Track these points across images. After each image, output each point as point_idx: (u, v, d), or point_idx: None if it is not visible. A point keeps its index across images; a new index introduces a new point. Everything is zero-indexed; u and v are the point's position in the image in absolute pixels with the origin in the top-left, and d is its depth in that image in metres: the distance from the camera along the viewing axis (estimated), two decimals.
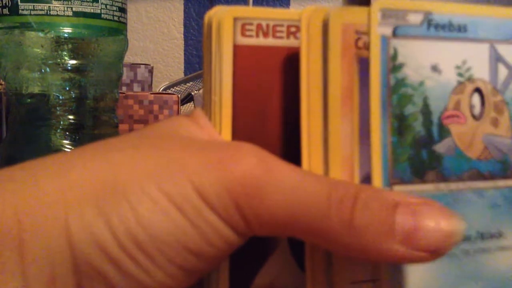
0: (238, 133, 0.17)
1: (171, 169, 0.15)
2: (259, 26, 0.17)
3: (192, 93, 0.68)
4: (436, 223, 0.14)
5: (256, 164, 0.15)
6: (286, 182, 0.15)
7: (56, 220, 0.14)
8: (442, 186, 0.16)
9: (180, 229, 0.15)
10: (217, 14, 0.17)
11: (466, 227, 0.14)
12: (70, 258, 0.14)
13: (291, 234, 0.16)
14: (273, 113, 0.18)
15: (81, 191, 0.15)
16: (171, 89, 0.81)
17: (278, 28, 0.17)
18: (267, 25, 0.17)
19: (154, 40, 1.09)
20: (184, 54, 1.08)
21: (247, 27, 0.17)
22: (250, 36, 0.17)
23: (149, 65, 0.77)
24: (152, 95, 0.53)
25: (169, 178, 0.15)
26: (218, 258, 0.16)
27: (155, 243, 0.15)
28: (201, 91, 0.67)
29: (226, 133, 0.17)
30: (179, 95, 0.54)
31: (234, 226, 0.15)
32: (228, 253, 0.16)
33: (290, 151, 0.17)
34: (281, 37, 0.17)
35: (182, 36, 1.08)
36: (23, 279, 0.14)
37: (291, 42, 0.17)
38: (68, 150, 0.39)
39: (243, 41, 0.17)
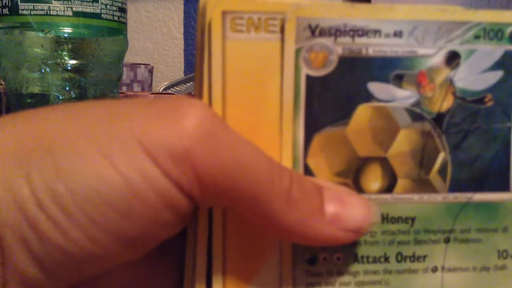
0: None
1: (109, 120, 0.14)
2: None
3: (192, 93, 0.69)
4: (359, 207, 0.16)
5: (209, 114, 0.14)
6: (236, 136, 0.15)
7: None
8: None
9: (106, 182, 0.14)
10: (208, 6, 0.16)
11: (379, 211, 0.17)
12: None
13: (234, 201, 0.15)
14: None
15: (4, 148, 0.14)
16: (171, 89, 0.81)
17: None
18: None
19: (154, 40, 1.09)
20: (184, 54, 1.08)
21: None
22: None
23: (149, 65, 0.77)
24: (152, 95, 0.53)
25: (105, 128, 0.14)
26: (156, 225, 0.15)
27: (79, 203, 0.13)
28: None
29: None
30: (179, 95, 0.54)
31: (180, 182, 0.14)
32: (171, 221, 0.15)
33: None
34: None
35: (182, 36, 1.08)
36: None
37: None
38: None
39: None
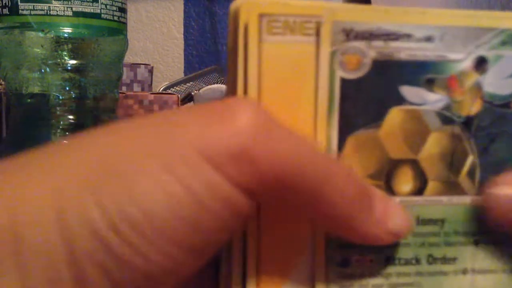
0: None
1: (166, 134, 0.14)
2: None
3: (192, 93, 0.69)
4: (401, 211, 0.17)
5: (260, 110, 0.15)
6: (288, 129, 0.15)
7: (49, 207, 0.14)
8: None
9: (180, 202, 0.14)
10: (243, 9, 0.16)
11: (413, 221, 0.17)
12: (65, 248, 0.14)
13: (292, 194, 0.15)
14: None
15: (74, 176, 0.14)
16: (171, 89, 0.81)
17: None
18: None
19: (154, 40, 1.09)
20: (184, 54, 1.08)
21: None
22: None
23: (149, 65, 0.77)
24: (152, 95, 0.53)
25: (166, 144, 0.14)
26: (223, 231, 0.15)
27: (152, 222, 0.14)
28: (201, 91, 0.67)
29: None
30: (179, 95, 0.54)
31: (241, 182, 0.14)
32: (235, 226, 0.15)
33: None
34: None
35: (182, 36, 1.08)
36: (21, 277, 0.13)
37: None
38: None
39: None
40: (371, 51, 0.17)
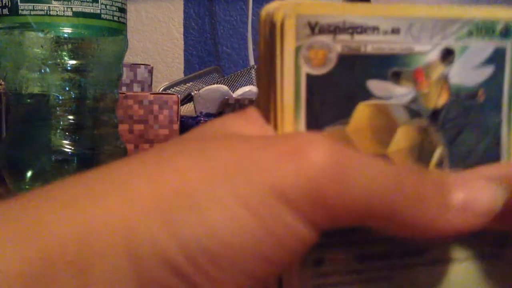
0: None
1: (242, 168, 0.14)
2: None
3: (192, 93, 0.68)
4: (485, 189, 0.16)
5: (332, 148, 0.14)
6: (363, 163, 0.15)
7: (120, 237, 0.14)
8: None
9: (254, 236, 0.14)
10: (281, 11, 0.16)
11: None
12: (136, 278, 0.13)
13: (364, 219, 0.15)
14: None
15: (146, 203, 0.14)
16: (171, 89, 0.81)
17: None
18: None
19: (154, 40, 1.09)
20: (184, 54, 1.08)
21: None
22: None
23: (149, 65, 0.77)
24: (152, 95, 0.53)
25: (241, 178, 0.14)
26: (291, 263, 0.15)
27: (227, 254, 0.14)
28: (200, 91, 0.67)
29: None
30: (179, 95, 0.54)
31: (313, 219, 0.14)
32: (300, 254, 0.15)
33: None
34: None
35: (182, 36, 1.08)
36: None
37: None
38: (68, 150, 0.39)
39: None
40: (337, 45, 0.16)
